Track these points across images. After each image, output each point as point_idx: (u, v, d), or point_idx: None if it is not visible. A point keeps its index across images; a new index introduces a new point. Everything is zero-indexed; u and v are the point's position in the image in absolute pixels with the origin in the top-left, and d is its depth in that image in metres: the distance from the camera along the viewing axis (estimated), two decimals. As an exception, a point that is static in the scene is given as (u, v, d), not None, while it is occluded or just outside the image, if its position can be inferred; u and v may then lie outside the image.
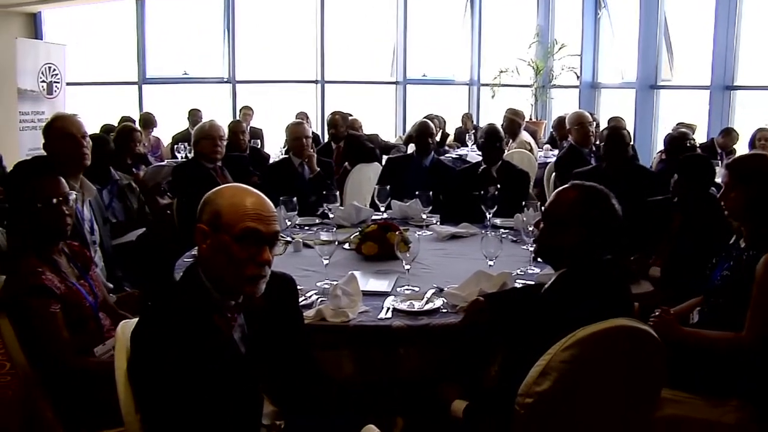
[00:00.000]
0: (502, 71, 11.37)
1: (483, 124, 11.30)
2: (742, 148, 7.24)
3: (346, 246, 3.59)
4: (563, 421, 1.99)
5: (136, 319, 2.02)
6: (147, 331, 1.80)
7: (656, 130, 9.52)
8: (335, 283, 2.72)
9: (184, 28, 11.09)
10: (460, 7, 12.36)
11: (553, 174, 5.71)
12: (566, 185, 2.21)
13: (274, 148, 8.87)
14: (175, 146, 7.87)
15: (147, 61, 10.75)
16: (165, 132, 9.16)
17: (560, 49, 11.03)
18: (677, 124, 7.44)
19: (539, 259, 3.30)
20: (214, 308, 1.84)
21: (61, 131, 3.70)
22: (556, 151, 8.82)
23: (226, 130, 5.02)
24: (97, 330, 2.62)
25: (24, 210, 2.61)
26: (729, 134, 7.39)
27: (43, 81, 9.09)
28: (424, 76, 12.46)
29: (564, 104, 11.00)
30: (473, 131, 9.47)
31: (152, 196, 5.32)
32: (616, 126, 4.73)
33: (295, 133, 5.18)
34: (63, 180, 2.71)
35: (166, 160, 7.88)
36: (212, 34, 11.22)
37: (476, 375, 2.49)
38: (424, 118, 9.57)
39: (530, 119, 10.94)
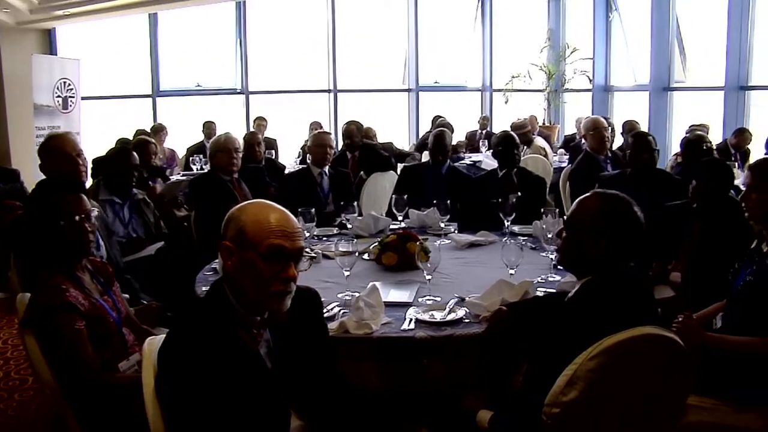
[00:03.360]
0: (514, 76, 11.38)
1: (496, 129, 11.42)
2: (755, 148, 7.20)
3: (366, 256, 3.60)
4: (591, 430, 1.98)
5: (162, 336, 2.03)
6: (174, 348, 1.81)
7: (670, 132, 9.48)
8: (357, 294, 2.73)
9: (196, 40, 11.15)
10: (470, 13, 12.38)
11: (568, 180, 5.70)
12: (588, 194, 2.20)
13: (288, 158, 8.93)
14: (191, 158, 7.95)
15: (160, 73, 10.82)
16: (179, 144, 9.22)
17: (572, 52, 11.02)
18: (690, 126, 7.42)
19: (560, 268, 3.32)
20: (239, 324, 1.85)
21: (56, 151, 3.74)
22: (566, 157, 8.85)
23: (241, 142, 5.04)
24: (121, 345, 2.64)
25: (47, 227, 2.63)
26: (742, 134, 7.36)
27: (59, 96, 9.18)
28: (436, 82, 12.48)
29: (577, 108, 10.97)
30: (485, 136, 9.48)
31: (169, 209, 5.36)
32: (642, 132, 4.67)
33: (320, 141, 5.21)
34: (85, 197, 2.74)
35: (181, 173, 7.94)
36: (224, 46, 11.28)
37: (500, 385, 2.49)
38: (435, 119, 9.72)
39: (543, 124, 10.94)
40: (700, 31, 9.39)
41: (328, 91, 11.92)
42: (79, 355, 2.43)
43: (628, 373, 1.95)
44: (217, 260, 3.51)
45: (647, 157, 4.36)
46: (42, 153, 3.75)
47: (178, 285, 3.87)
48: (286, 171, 6.74)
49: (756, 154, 6.87)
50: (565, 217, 2.22)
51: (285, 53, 11.85)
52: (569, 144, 9.24)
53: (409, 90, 12.36)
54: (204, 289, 3.13)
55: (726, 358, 2.63)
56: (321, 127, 9.64)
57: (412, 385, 2.46)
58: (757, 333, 2.59)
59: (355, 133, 6.63)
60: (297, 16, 11.85)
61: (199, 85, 11.21)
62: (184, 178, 6.98)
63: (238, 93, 11.35)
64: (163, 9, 10.36)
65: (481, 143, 9.36)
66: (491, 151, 8.98)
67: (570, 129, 10.84)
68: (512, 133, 4.95)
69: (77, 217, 2.65)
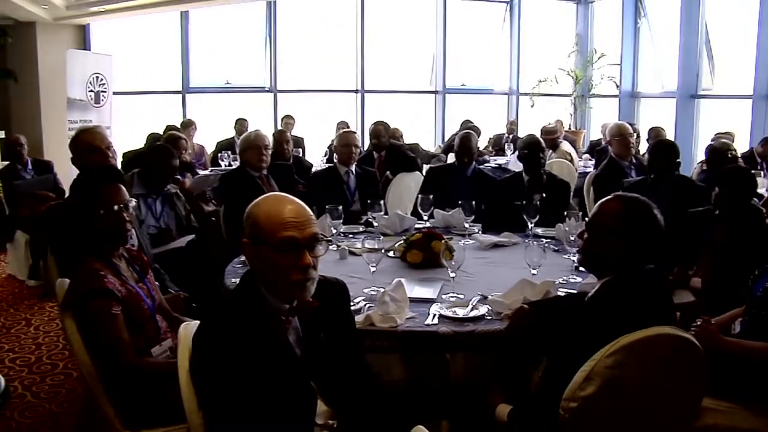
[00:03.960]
0: (541, 81, 11.38)
1: (522, 133, 11.44)
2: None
3: (391, 254, 3.68)
4: (606, 426, 2.05)
5: (196, 323, 2.13)
6: (207, 334, 1.91)
7: (697, 140, 9.45)
8: (382, 289, 2.82)
9: (226, 38, 11.27)
10: (499, 17, 12.42)
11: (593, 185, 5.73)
12: (609, 196, 2.26)
13: (315, 157, 9.03)
14: (219, 154, 8.08)
15: (190, 70, 10.97)
16: (208, 140, 9.36)
17: (600, 58, 11.02)
18: (716, 135, 7.41)
19: (582, 269, 3.38)
20: (269, 313, 1.93)
21: (87, 145, 3.84)
22: (591, 162, 8.87)
23: (271, 139, 5.14)
24: (155, 331, 2.74)
25: (88, 215, 2.74)
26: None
27: (91, 90, 9.36)
28: (462, 85, 12.50)
29: (603, 114, 10.96)
30: (511, 140, 9.51)
31: (198, 203, 5.48)
32: (663, 139, 4.70)
33: (345, 140, 5.30)
34: (123, 188, 2.85)
35: (209, 168, 8.08)
36: (254, 44, 11.40)
37: (520, 380, 2.56)
38: (463, 123, 9.78)
39: (569, 129, 10.95)
40: (729, 38, 9.33)
41: (356, 91, 12.00)
42: (115, 339, 2.53)
43: (643, 371, 2.01)
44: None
45: (665, 163, 4.40)
46: (72, 146, 3.87)
47: (206, 277, 3.99)
48: (313, 169, 6.84)
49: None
50: (586, 219, 2.28)
51: (314, 53, 11.95)
52: (595, 149, 9.28)
53: (435, 92, 12.40)
54: (234, 280, 3.23)
55: (742, 362, 2.67)
56: (348, 127, 9.72)
57: (434, 379, 2.54)
58: (777, 339, 2.63)
59: (383, 134, 6.70)
60: (326, 16, 11.95)
61: (228, 83, 11.33)
62: (212, 173, 7.10)
63: (267, 91, 11.46)
64: (195, 7, 10.54)
65: (506, 147, 9.39)
66: (516, 154, 9.13)
67: (595, 134, 10.84)
68: (537, 137, 4.99)
69: (116, 207, 2.75)
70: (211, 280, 3.84)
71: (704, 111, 9.53)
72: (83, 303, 2.55)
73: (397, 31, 12.33)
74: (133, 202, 2.87)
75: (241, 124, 9.21)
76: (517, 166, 8.19)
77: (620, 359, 1.97)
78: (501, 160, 8.91)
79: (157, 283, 3.36)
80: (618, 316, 2.07)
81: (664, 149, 4.46)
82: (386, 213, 4.56)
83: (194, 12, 10.78)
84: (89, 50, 10.15)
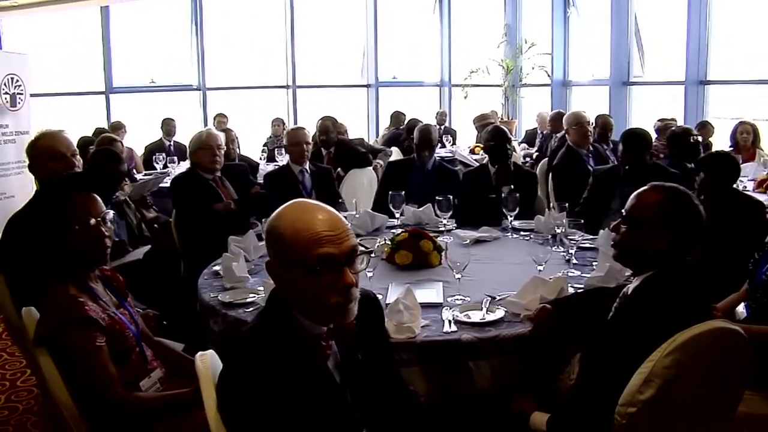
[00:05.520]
0: (472, 72, 11.38)
1: (455, 125, 11.45)
2: (717, 141, 7.37)
3: (373, 255, 3.49)
4: (666, 427, 1.95)
5: (209, 353, 1.90)
6: (239, 371, 1.65)
7: (630, 125, 9.61)
8: (380, 296, 2.64)
9: (150, 34, 10.77)
10: (428, 9, 12.35)
11: (551, 174, 5.69)
12: (646, 187, 2.16)
13: (251, 156, 8.71)
14: (153, 157, 7.69)
15: (113, 69, 10.42)
16: (136, 142, 8.89)
17: (530, 48, 11.10)
18: (659, 120, 7.55)
19: (576, 262, 3.30)
20: (306, 339, 1.69)
21: (48, 152, 3.51)
22: (533, 150, 8.94)
23: (223, 139, 4.85)
24: (142, 362, 2.46)
25: (59, 233, 2.41)
26: (704, 127, 7.51)
27: (6, 93, 8.72)
28: (394, 78, 12.41)
29: (536, 103, 11.06)
30: (443, 132, 9.46)
31: (139, 210, 5.14)
32: (635, 129, 4.68)
33: (295, 138, 5.08)
34: (99, 198, 2.54)
35: (144, 172, 7.68)
36: (180, 41, 10.94)
37: (549, 385, 2.43)
38: (393, 114, 9.66)
39: (502, 119, 10.99)
40: (657, 26, 9.55)
41: (287, 86, 11.72)
42: (101, 375, 2.23)
43: (701, 368, 1.93)
44: (217, 262, 3.37)
45: (639, 152, 4.40)
46: (30, 153, 3.51)
47: (172, 291, 3.72)
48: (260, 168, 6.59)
49: (717, 146, 6.99)
50: (623, 212, 2.16)
51: (242, 48, 11.58)
52: (534, 137, 9.37)
53: (368, 86, 12.25)
54: (213, 295, 2.98)
55: (755, 348, 2.63)
56: (283, 123, 9.49)
57: (458, 389, 2.38)
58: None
59: (331, 129, 6.49)
60: (255, 10, 11.59)
61: (153, 82, 10.85)
62: (151, 177, 6.72)
63: (195, 89, 11.03)
64: (116, 2, 9.99)
65: (444, 138, 9.31)
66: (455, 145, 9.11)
67: (528, 124, 10.93)
68: (503, 127, 4.90)
69: (93, 221, 2.44)
70: (179, 294, 3.59)
71: (635, 97, 9.71)
72: (61, 335, 2.22)
73: (327, 24, 12.11)
74: (110, 214, 2.55)
75: (168, 125, 8.77)
76: (466, 157, 8.25)
77: (678, 358, 1.88)
78: (442, 152, 8.83)
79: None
80: (670, 313, 1.98)
81: (637, 138, 4.45)
82: (345, 211, 4.37)
83: (115, 7, 10.22)
84: (0, 49, 9.48)
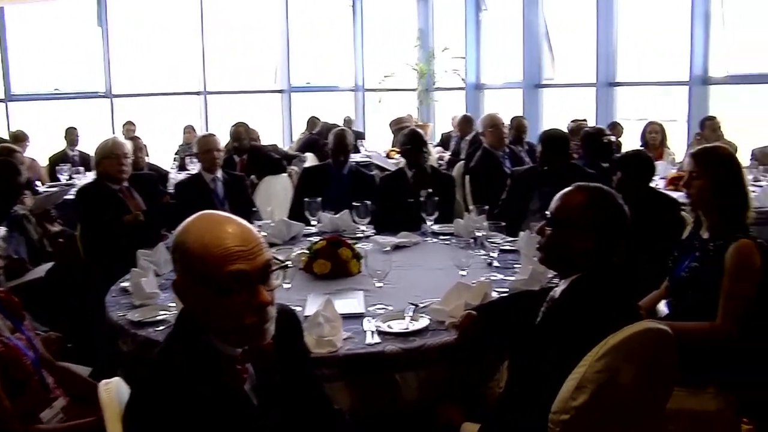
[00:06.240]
0: (386, 76, 11.37)
1: (368, 129, 11.41)
2: (625, 141, 7.55)
3: (290, 264, 3.34)
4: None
5: (115, 380, 1.72)
6: (147, 401, 1.49)
7: (542, 127, 9.77)
8: (299, 308, 2.52)
9: (53, 39, 10.26)
10: (342, 13, 12.26)
11: (467, 177, 5.67)
12: (570, 188, 2.10)
13: (161, 164, 8.40)
14: (57, 168, 7.30)
15: (11, 76, 9.85)
16: (40, 152, 8.42)
17: (443, 51, 11.15)
18: (571, 121, 7.68)
19: (498, 265, 3.25)
20: (220, 362, 1.54)
21: None
22: (447, 154, 8.96)
23: (130, 147, 4.61)
24: (42, 390, 2.25)
25: None
26: (615, 128, 7.72)
27: None
28: (308, 83, 12.27)
29: (450, 106, 11.13)
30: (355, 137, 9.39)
31: (42, 224, 4.83)
32: (554, 130, 4.69)
33: (206, 145, 4.86)
34: None
35: (47, 184, 7.27)
36: (85, 46, 10.47)
37: (478, 393, 2.35)
38: (310, 120, 9.53)
39: (416, 123, 11.00)
40: (565, 30, 9.76)
41: (198, 93, 11.41)
42: None
43: (633, 370, 1.88)
44: (126, 278, 3.16)
45: (558, 153, 4.42)
46: None
47: (77, 311, 3.48)
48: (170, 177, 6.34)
49: (627, 146, 7.16)
50: (548, 214, 2.10)
51: (152, 54, 11.19)
52: (449, 141, 9.39)
53: (281, 91, 12.06)
54: (121, 314, 2.77)
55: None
56: (194, 131, 9.22)
57: (385, 403, 2.26)
58: (705, 318, 2.61)
59: (243, 135, 6.31)
60: (164, 13, 11.23)
61: (57, 89, 10.33)
62: (55, 189, 6.35)
63: (102, 96, 10.57)
64: (10, 3, 9.43)
65: (358, 143, 9.24)
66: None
67: (443, 127, 10.97)
68: (419, 131, 4.83)
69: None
70: (85, 314, 3.36)
71: (547, 99, 9.89)
72: None
73: (239, 30, 11.87)
74: (2, 231, 2.32)
75: (71, 134, 8.34)
76: (383, 161, 8.18)
77: (610, 361, 1.83)
78: (357, 157, 8.74)
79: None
80: (599, 316, 1.92)
81: (556, 140, 4.45)
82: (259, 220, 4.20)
83: (11, 9, 9.65)
84: None
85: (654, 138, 6.88)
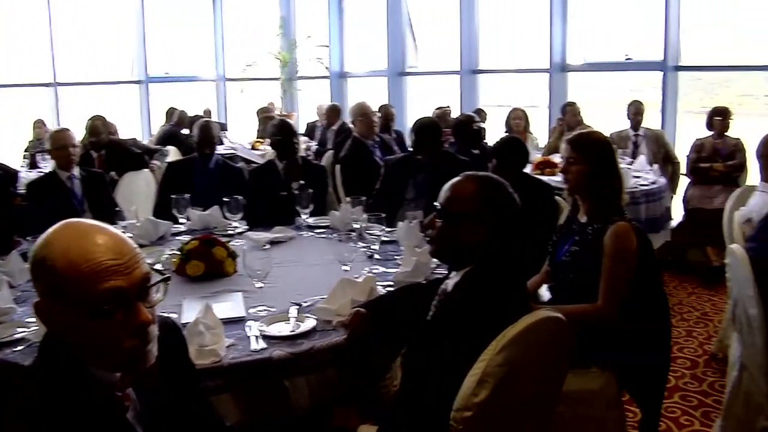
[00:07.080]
0: (248, 65, 11.07)
1: (230, 120, 11.06)
2: (488, 127, 7.73)
3: (159, 267, 3.11)
4: (502, 424, 1.85)
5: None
6: None
7: (407, 115, 9.84)
8: (175, 315, 2.34)
9: None
10: (201, 1, 11.78)
11: (338, 166, 5.57)
12: (459, 178, 2.04)
13: (9, 162, 7.77)
14: None
15: None
16: None
17: (306, 39, 10.99)
18: (436, 108, 7.76)
19: (378, 257, 3.18)
20: (96, 391, 1.35)
21: None
22: (313, 143, 8.84)
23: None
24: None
25: None
26: (479, 114, 7.86)
27: None
28: (167, 73, 11.70)
29: (314, 95, 11.00)
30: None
31: None
32: (426, 119, 4.65)
33: (60, 141, 4.48)
34: None
35: None
36: None
37: (372, 394, 2.26)
38: (168, 111, 9.10)
39: (281, 112, 10.81)
40: (428, 18, 9.86)
41: (48, 84, 10.61)
42: None
43: (533, 360, 1.87)
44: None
45: (430, 141, 4.39)
46: None
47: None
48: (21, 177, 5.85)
49: (491, 132, 7.32)
50: (438, 205, 2.03)
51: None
52: (313, 131, 9.29)
53: (138, 82, 11.44)
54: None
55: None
56: (45, 125, 8.59)
57: (275, 411, 2.13)
58: (586, 300, 2.66)
59: (101, 129, 5.92)
60: (10, 4, 10.36)
61: None
62: None
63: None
64: None
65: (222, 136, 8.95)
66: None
67: (308, 116, 10.82)
68: (289, 121, 4.68)
69: None
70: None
71: (411, 87, 9.96)
72: None
73: (91, 17, 11.08)
74: None
75: None
76: (248, 153, 7.94)
77: (510, 354, 1.79)
78: (221, 149, 8.45)
79: None
80: (495, 309, 1.87)
81: (429, 128, 4.42)
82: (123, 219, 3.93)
83: None
84: None
85: (518, 124, 7.06)
